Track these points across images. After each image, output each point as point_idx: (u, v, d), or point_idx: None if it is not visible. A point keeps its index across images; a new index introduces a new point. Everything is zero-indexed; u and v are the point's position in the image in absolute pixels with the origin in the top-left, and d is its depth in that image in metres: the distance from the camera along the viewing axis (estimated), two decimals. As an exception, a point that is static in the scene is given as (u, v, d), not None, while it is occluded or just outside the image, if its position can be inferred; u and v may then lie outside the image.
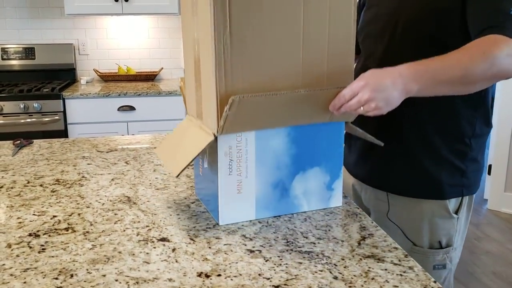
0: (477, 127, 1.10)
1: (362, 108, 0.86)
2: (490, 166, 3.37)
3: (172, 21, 3.43)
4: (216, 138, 0.86)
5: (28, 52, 3.24)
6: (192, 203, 1.01)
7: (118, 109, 2.92)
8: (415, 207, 1.12)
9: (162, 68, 3.46)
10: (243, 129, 0.86)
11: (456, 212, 1.12)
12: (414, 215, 1.13)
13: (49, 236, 0.86)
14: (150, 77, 3.37)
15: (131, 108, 2.93)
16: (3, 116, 2.78)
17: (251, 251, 0.80)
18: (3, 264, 0.76)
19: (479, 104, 1.09)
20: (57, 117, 2.83)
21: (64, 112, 2.86)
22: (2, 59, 3.22)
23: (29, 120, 2.79)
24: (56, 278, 0.72)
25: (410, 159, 1.11)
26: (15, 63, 3.24)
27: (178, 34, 3.45)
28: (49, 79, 3.28)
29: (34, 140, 1.54)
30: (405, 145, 1.11)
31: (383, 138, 1.08)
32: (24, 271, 0.74)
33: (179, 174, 0.87)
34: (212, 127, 0.85)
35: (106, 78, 3.32)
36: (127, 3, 3.00)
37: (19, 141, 1.49)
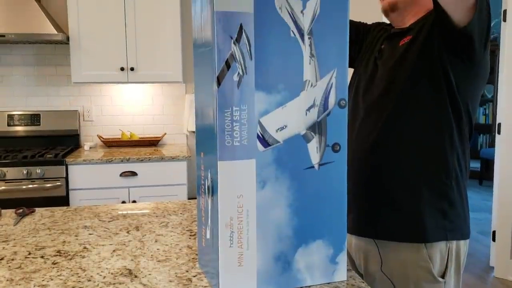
0: (458, 170, 1.15)
1: None
2: (494, 233, 3.33)
3: (176, 89, 3.52)
4: None
5: (34, 118, 3.30)
6: (194, 276, 1.00)
7: (120, 175, 2.93)
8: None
9: (165, 134, 3.51)
10: None
11: (443, 276, 1.14)
12: (402, 277, 1.15)
13: (48, 312, 0.85)
14: (153, 143, 3.42)
15: (133, 174, 2.94)
16: (6, 182, 2.79)
17: (254, 329, 0.78)
18: None
19: (462, 149, 1.16)
20: (59, 183, 2.84)
21: (67, 178, 2.88)
22: (8, 125, 3.28)
23: (31, 186, 2.81)
24: None
25: (392, 202, 1.16)
26: (20, 129, 3.30)
27: (182, 100, 3.53)
28: (53, 144, 3.33)
29: (37, 209, 1.54)
30: (387, 189, 1.17)
31: (364, 183, 1.17)
32: None
33: None
34: None
35: (110, 143, 3.37)
36: (132, 72, 3.10)
37: (21, 210, 1.49)
